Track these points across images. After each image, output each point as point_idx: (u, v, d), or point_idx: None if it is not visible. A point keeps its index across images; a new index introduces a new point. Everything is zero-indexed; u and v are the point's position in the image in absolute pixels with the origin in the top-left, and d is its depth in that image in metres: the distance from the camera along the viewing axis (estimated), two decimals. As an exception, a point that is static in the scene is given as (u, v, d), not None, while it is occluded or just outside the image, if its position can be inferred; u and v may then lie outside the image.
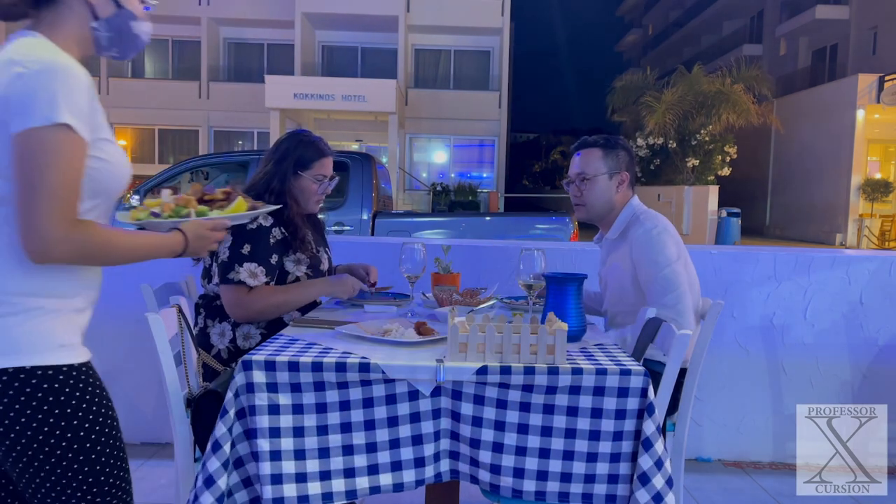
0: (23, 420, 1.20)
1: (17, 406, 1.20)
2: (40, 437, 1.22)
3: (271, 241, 2.12)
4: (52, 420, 1.22)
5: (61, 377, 1.24)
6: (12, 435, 1.21)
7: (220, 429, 1.48)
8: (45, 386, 1.22)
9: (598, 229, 2.54)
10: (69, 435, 1.24)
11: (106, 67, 21.97)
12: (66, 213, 1.19)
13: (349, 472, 1.52)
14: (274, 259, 2.12)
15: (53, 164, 1.17)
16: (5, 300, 1.22)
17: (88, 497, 1.27)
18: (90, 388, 1.28)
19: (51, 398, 1.22)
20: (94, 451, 1.28)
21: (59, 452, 1.24)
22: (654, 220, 2.25)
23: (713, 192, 16.41)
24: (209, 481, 1.46)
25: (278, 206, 1.89)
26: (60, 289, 1.28)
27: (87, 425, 1.26)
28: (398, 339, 1.68)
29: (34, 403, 1.21)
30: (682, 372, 2.02)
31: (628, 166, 2.37)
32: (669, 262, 2.15)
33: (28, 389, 1.20)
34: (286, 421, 1.50)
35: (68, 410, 1.24)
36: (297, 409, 1.50)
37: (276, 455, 1.49)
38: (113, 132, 1.34)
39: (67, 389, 1.25)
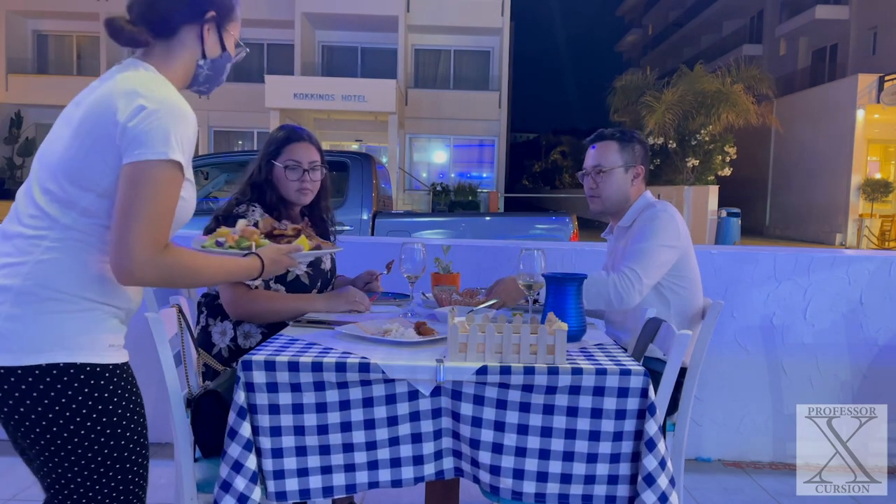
0: (67, 414, 1.27)
1: (63, 399, 1.26)
2: (82, 432, 1.28)
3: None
4: (94, 415, 1.29)
5: (107, 375, 1.31)
6: (54, 428, 1.26)
7: (247, 429, 1.48)
8: (93, 382, 1.29)
9: (601, 228, 2.55)
10: (108, 431, 1.31)
11: (105, 67, 21.92)
12: (157, 240, 1.27)
13: (349, 468, 1.54)
14: None
15: (158, 194, 1.27)
16: (68, 298, 1.28)
17: (109, 493, 1.32)
18: (129, 388, 1.36)
19: (96, 394, 1.29)
20: (126, 449, 1.34)
21: (96, 447, 1.30)
22: (666, 206, 2.28)
23: (713, 192, 16.41)
24: (255, 477, 1.48)
25: (340, 249, 1.93)
26: (115, 299, 1.35)
27: (124, 422, 1.33)
28: (398, 339, 1.68)
29: (80, 398, 1.27)
30: (682, 372, 2.02)
31: (643, 160, 2.39)
32: (658, 243, 2.17)
33: (76, 384, 1.27)
34: (286, 420, 1.51)
35: (110, 407, 1.31)
36: (298, 408, 1.51)
37: (277, 452, 1.50)
38: (191, 168, 1.43)
39: (111, 387, 1.32)
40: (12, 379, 1.24)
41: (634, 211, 2.35)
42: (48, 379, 1.25)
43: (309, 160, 2.21)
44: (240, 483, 1.47)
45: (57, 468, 1.29)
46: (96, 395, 1.29)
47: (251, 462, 1.48)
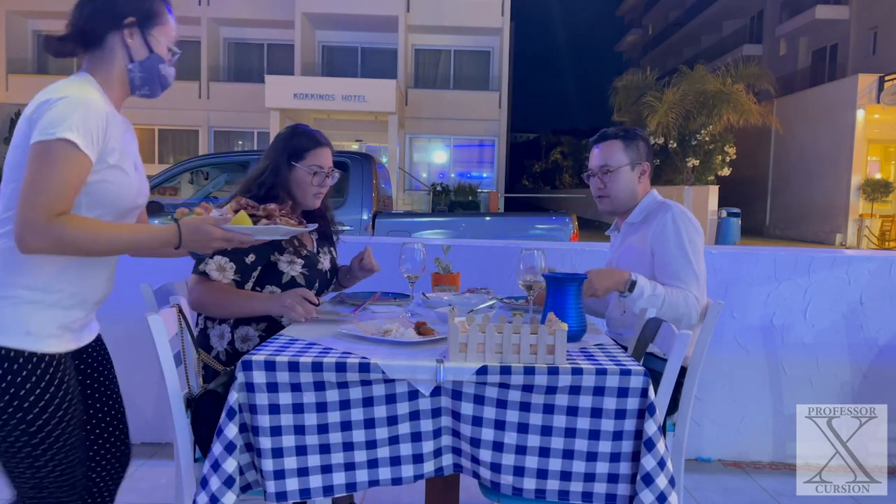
0: None
1: None
2: None
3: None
4: (6, 397, 1.43)
5: (21, 360, 1.44)
6: None
7: (232, 430, 1.48)
8: (6, 365, 1.42)
9: (601, 228, 2.55)
10: (19, 415, 1.44)
11: (106, 67, 21.95)
12: (48, 208, 1.37)
13: (349, 466, 1.54)
14: (250, 258, 2.03)
15: (49, 169, 1.38)
16: None
17: (23, 478, 1.48)
18: (48, 378, 1.47)
19: (9, 377, 1.42)
20: (37, 437, 1.46)
21: (8, 427, 1.44)
22: (684, 211, 2.27)
23: (713, 192, 16.41)
24: (230, 481, 1.47)
25: (305, 230, 1.81)
26: (41, 282, 1.47)
27: (35, 411, 1.45)
28: (398, 339, 1.68)
29: None
30: (682, 372, 2.02)
31: (648, 156, 2.40)
32: (699, 257, 2.19)
33: None
34: (287, 420, 1.51)
35: (21, 393, 1.44)
36: (298, 408, 1.51)
37: (277, 452, 1.50)
38: (125, 157, 1.57)
39: (25, 373, 1.44)
40: None
41: (643, 208, 2.35)
42: None
43: (328, 166, 2.23)
44: (214, 483, 1.47)
45: None
46: (9, 377, 1.42)
47: (229, 465, 1.47)
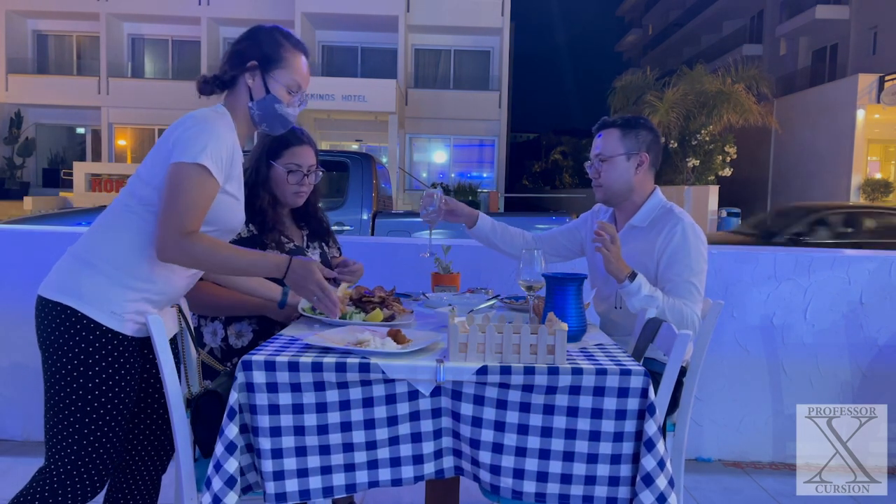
0: (55, 345, 1.59)
1: (58, 332, 1.59)
2: (59, 363, 1.59)
3: (237, 237, 2.09)
4: (75, 361, 1.58)
5: (98, 332, 1.60)
6: (46, 353, 1.61)
7: (233, 430, 1.49)
8: (84, 334, 1.59)
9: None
10: (81, 380, 1.59)
11: (105, 67, 21.96)
12: (180, 226, 1.55)
13: (349, 468, 1.53)
14: None
15: (183, 190, 1.57)
16: (97, 262, 1.62)
17: (61, 437, 1.60)
18: (115, 355, 1.62)
19: (83, 344, 1.59)
20: (91, 405, 1.59)
21: (69, 388, 1.58)
22: (694, 225, 2.22)
23: (713, 192, 16.40)
24: (231, 481, 1.48)
25: (410, 312, 1.98)
26: (141, 273, 1.64)
27: (97, 380, 1.60)
28: (379, 349, 1.57)
29: (66, 336, 1.59)
30: (682, 372, 2.02)
31: (650, 147, 2.30)
32: (701, 268, 2.16)
33: (67, 324, 1.59)
34: (286, 420, 1.50)
35: (90, 361, 1.59)
36: (298, 408, 1.51)
37: (277, 453, 1.50)
38: (239, 187, 1.78)
39: (97, 344, 1.60)
40: (40, 306, 1.62)
41: (649, 211, 2.29)
42: (55, 312, 1.60)
43: (308, 164, 2.20)
44: (216, 483, 1.47)
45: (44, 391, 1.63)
46: (83, 345, 1.58)
47: (230, 465, 1.47)
